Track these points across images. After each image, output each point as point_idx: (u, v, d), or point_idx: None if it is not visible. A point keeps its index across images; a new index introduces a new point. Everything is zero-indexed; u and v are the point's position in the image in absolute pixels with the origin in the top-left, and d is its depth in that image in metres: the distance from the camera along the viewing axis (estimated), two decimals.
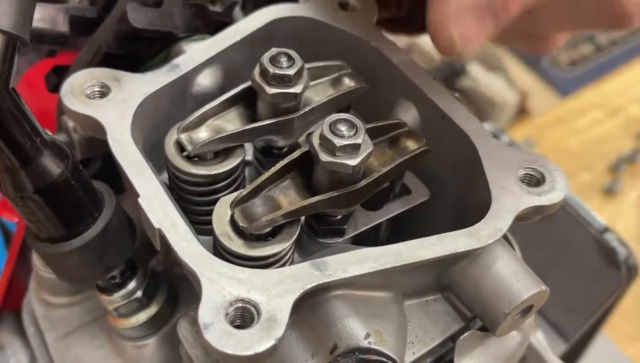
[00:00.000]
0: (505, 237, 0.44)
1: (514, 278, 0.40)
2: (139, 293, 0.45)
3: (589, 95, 1.49)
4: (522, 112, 2.33)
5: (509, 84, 2.42)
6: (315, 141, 0.40)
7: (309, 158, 0.41)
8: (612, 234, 0.68)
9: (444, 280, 0.42)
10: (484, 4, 0.41)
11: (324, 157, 0.39)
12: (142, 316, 0.46)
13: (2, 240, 0.60)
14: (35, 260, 0.50)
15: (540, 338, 0.58)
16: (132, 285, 0.45)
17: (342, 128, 0.39)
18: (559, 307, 0.73)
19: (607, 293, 0.68)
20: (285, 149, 0.48)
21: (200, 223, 0.45)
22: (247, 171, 0.49)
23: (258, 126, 0.44)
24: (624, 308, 1.16)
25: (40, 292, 0.51)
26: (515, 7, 0.42)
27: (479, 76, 2.46)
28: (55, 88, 0.49)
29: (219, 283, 0.36)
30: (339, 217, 0.44)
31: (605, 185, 1.29)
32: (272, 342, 0.34)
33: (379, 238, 0.50)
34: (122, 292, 0.45)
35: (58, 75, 0.50)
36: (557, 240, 0.71)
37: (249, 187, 0.40)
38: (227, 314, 0.35)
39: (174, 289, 0.48)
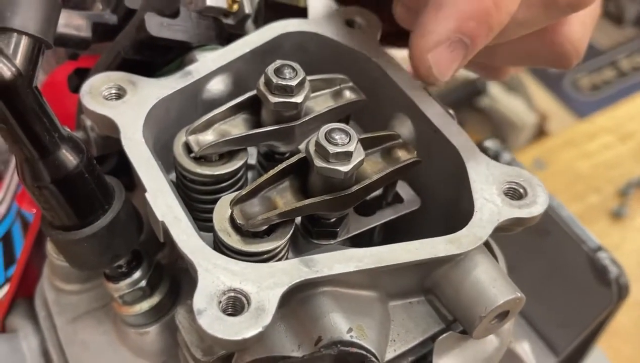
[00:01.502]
0: (488, 247, 0.47)
1: (491, 284, 0.43)
2: (143, 283, 0.48)
3: (601, 119, 1.51)
4: (540, 133, 2.35)
5: (528, 105, 2.44)
6: (311, 148, 0.43)
7: (306, 163, 0.44)
8: (605, 253, 0.70)
9: (427, 283, 0.45)
10: (456, 39, 0.48)
11: (319, 162, 0.42)
12: (145, 305, 0.49)
13: (21, 229, 0.64)
14: (49, 248, 0.53)
15: (526, 348, 0.60)
16: (137, 274, 0.48)
17: (337, 137, 0.42)
18: (551, 322, 0.75)
19: (598, 311, 0.70)
20: (286, 155, 0.51)
21: (203, 220, 0.48)
22: (250, 174, 0.53)
23: (261, 132, 0.47)
24: (624, 330, 1.18)
25: (53, 279, 0.54)
26: (482, 43, 0.49)
27: (499, 96, 2.49)
28: (76, 89, 0.53)
29: (214, 274, 0.39)
30: (332, 220, 0.47)
31: (613, 209, 1.31)
32: (259, 329, 0.37)
33: (373, 242, 0.53)
34: (128, 280, 0.48)
35: (79, 77, 0.53)
36: (552, 256, 0.74)
37: (248, 188, 0.43)
38: (220, 302, 0.38)
39: (177, 281, 0.51)
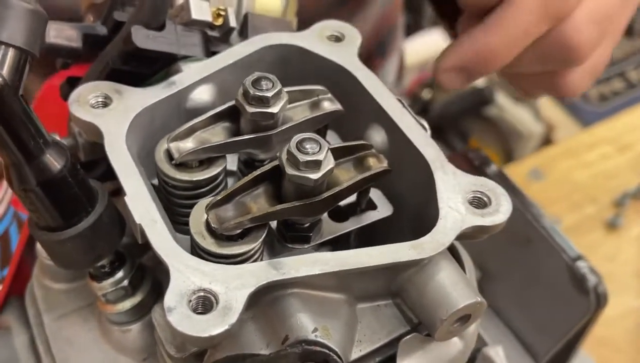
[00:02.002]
0: (456, 254, 0.49)
1: (452, 288, 0.45)
2: (125, 283, 0.51)
3: (601, 129, 1.52)
4: (547, 143, 2.36)
5: (535, 115, 2.46)
6: (284, 156, 0.45)
7: (279, 171, 0.46)
8: (584, 262, 0.71)
9: (393, 287, 0.47)
10: (461, 68, 0.67)
11: (290, 170, 0.44)
12: (127, 303, 0.51)
13: (17, 230, 0.67)
14: (39, 248, 0.55)
15: (500, 353, 0.62)
16: (119, 274, 0.50)
17: (307, 146, 0.45)
18: (531, 328, 0.77)
19: (577, 318, 0.72)
20: (266, 162, 0.53)
21: (184, 224, 0.51)
22: (231, 181, 0.55)
23: (239, 140, 0.50)
24: (616, 340, 1.19)
25: (42, 278, 0.57)
26: (480, 75, 0.68)
27: (506, 106, 2.50)
28: (67, 97, 0.55)
29: (185, 274, 0.41)
30: (306, 225, 0.49)
31: (608, 219, 1.32)
32: (225, 327, 0.39)
33: (349, 247, 0.54)
34: (111, 280, 0.50)
35: (71, 86, 0.56)
36: (533, 264, 0.75)
37: (223, 193, 0.46)
38: (190, 301, 0.40)
39: (159, 283, 0.53)
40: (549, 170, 1.43)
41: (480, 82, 2.46)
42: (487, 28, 0.64)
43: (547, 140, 2.44)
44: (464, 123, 2.57)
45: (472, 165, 0.78)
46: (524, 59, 0.67)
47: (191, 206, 0.49)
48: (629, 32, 2.83)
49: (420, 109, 2.50)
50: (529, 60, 0.67)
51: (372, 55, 1.13)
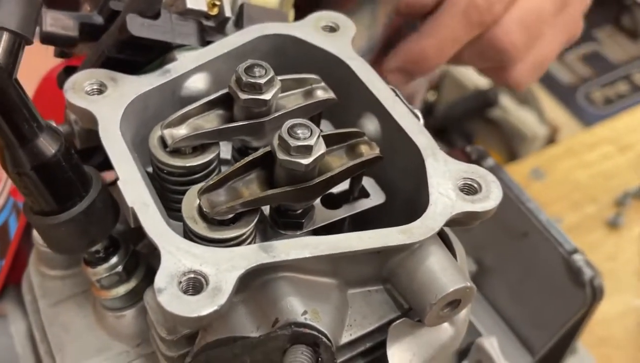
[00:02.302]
0: (446, 241, 0.49)
1: (442, 273, 0.45)
2: (119, 268, 0.51)
3: (601, 130, 1.52)
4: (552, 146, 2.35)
5: (540, 117, 2.45)
6: (275, 141, 0.45)
7: (271, 157, 0.47)
8: (580, 256, 0.72)
9: (384, 272, 0.47)
10: (402, 69, 0.78)
11: (281, 155, 0.45)
12: (121, 289, 0.52)
13: (16, 220, 0.67)
14: (35, 236, 0.56)
15: (494, 344, 0.62)
16: (114, 260, 0.51)
17: (299, 131, 0.45)
18: (527, 322, 0.77)
19: (573, 312, 0.72)
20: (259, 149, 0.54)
21: (177, 210, 0.51)
22: (225, 168, 0.55)
23: (231, 126, 0.50)
24: (617, 338, 1.19)
25: (39, 265, 0.57)
26: (420, 75, 0.80)
27: (510, 108, 2.50)
28: (64, 85, 0.56)
29: (176, 256, 0.42)
30: (298, 212, 0.50)
31: (609, 219, 1.32)
32: (214, 308, 0.39)
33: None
34: (105, 265, 0.51)
35: (68, 75, 0.56)
36: (530, 258, 0.75)
37: (216, 178, 0.46)
38: (180, 282, 0.40)
39: (153, 269, 0.54)
40: (550, 170, 1.43)
41: (484, 84, 2.46)
42: (420, 34, 0.76)
43: (551, 143, 2.44)
44: (468, 125, 2.57)
45: (470, 159, 0.79)
46: (464, 58, 0.79)
47: (185, 192, 0.50)
48: (634, 34, 2.83)
49: (425, 110, 2.51)
50: (469, 59, 0.80)
51: (401, 30, 1.16)
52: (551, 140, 2.44)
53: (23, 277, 0.59)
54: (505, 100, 2.50)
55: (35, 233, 0.56)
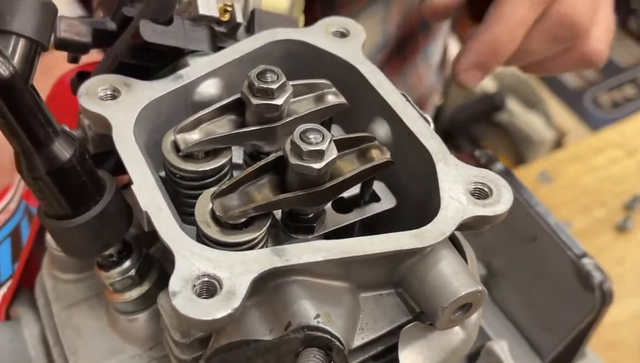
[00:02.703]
0: (457, 245, 0.50)
1: (453, 277, 0.45)
2: (132, 272, 0.52)
3: (609, 133, 1.52)
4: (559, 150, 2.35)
5: (547, 121, 2.45)
6: (287, 146, 0.46)
7: (283, 161, 0.47)
8: (589, 259, 0.72)
9: (396, 276, 0.48)
10: (477, 65, 0.76)
11: (293, 160, 0.45)
12: (134, 292, 0.52)
13: (28, 225, 0.68)
14: (49, 239, 0.56)
15: (504, 348, 0.62)
16: (127, 264, 0.51)
17: (311, 136, 0.45)
18: (536, 325, 0.77)
19: (582, 316, 0.72)
20: (270, 154, 0.54)
21: (190, 214, 0.51)
22: (236, 173, 0.56)
23: (244, 131, 0.50)
24: (626, 342, 1.18)
25: (52, 268, 0.58)
26: (495, 66, 0.77)
27: (517, 112, 2.49)
28: (77, 90, 0.56)
29: (190, 260, 0.42)
30: (309, 216, 0.50)
31: (618, 223, 1.32)
32: (229, 311, 0.40)
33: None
34: (118, 269, 0.51)
35: (81, 80, 0.57)
36: (539, 262, 0.76)
37: (228, 182, 0.46)
38: (194, 286, 0.41)
39: (165, 273, 0.54)
40: (558, 174, 1.43)
41: (491, 88, 2.46)
42: (488, 25, 0.75)
43: (558, 147, 2.43)
44: (475, 129, 2.57)
45: (479, 163, 0.79)
46: (536, 46, 0.78)
47: (197, 196, 0.50)
48: None
49: (432, 114, 2.50)
50: (541, 45, 0.78)
51: (415, 32, 1.17)
52: (558, 144, 2.44)
53: (36, 280, 0.60)
54: (512, 104, 2.50)
55: (48, 236, 0.57)
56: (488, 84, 2.49)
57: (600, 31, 0.80)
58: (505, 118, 2.51)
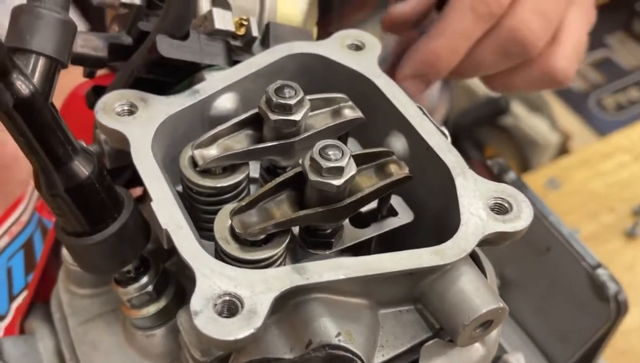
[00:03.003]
0: (477, 260, 0.49)
1: (474, 294, 0.45)
2: (150, 288, 0.51)
3: (617, 138, 1.51)
4: (564, 153, 2.35)
5: (552, 124, 2.45)
6: (307, 162, 0.46)
7: (302, 177, 0.47)
8: (604, 270, 0.71)
9: (415, 292, 0.47)
10: (416, 76, 0.76)
11: (313, 176, 0.45)
12: (152, 308, 0.52)
13: (41, 237, 0.68)
14: (65, 254, 0.56)
15: (520, 360, 0.62)
16: (144, 280, 0.51)
17: (330, 152, 0.45)
18: (551, 336, 0.77)
19: (597, 326, 0.72)
20: (288, 169, 0.54)
21: (207, 229, 0.51)
22: (253, 188, 0.56)
23: (261, 147, 0.50)
24: (637, 351, 1.18)
25: (67, 283, 0.57)
26: (435, 79, 0.77)
27: (522, 115, 2.49)
28: (92, 105, 0.56)
29: (211, 278, 0.42)
30: (327, 231, 0.50)
31: (627, 229, 1.31)
32: (251, 331, 0.40)
33: (370, 253, 0.55)
34: (136, 285, 0.51)
35: (96, 94, 0.57)
36: (553, 272, 0.75)
37: (247, 199, 0.46)
38: (215, 305, 0.41)
39: (183, 288, 0.54)
40: (566, 180, 1.42)
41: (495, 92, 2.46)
42: (430, 36, 0.75)
43: (563, 150, 2.43)
44: (480, 132, 2.56)
45: (491, 173, 0.79)
46: (487, 60, 0.77)
47: (215, 212, 0.50)
48: None
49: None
50: (491, 59, 0.76)
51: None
52: (563, 147, 2.44)
53: (52, 294, 0.60)
54: (517, 108, 2.49)
55: (64, 251, 0.57)
56: None
57: (566, 49, 0.78)
58: (510, 121, 2.50)
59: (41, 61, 0.41)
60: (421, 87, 0.77)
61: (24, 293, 0.65)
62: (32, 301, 0.63)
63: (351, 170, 0.45)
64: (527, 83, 0.80)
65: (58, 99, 0.69)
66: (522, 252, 0.77)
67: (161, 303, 0.52)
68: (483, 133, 2.56)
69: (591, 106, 2.70)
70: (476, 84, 2.43)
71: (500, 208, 0.48)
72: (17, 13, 0.42)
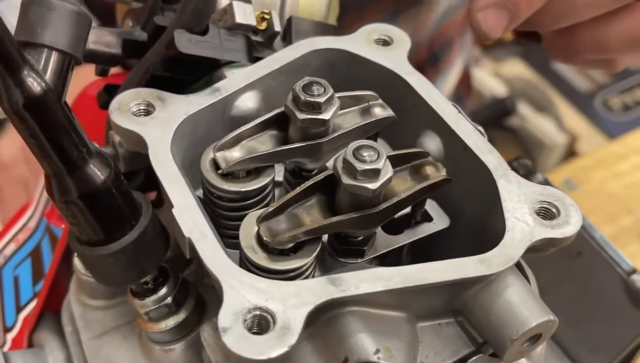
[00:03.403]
0: (520, 268, 0.46)
1: (522, 306, 0.42)
2: (169, 300, 0.48)
3: (631, 139, 1.49)
4: (571, 154, 2.32)
5: (558, 125, 2.42)
6: (339, 165, 0.42)
7: (333, 180, 0.44)
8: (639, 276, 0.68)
9: (456, 304, 0.44)
10: (502, 4, 0.58)
11: (346, 179, 0.42)
12: (171, 321, 0.49)
13: (49, 244, 0.65)
14: (76, 263, 0.53)
15: None
16: (163, 291, 0.48)
17: (365, 154, 0.42)
18: (583, 346, 0.73)
19: (632, 335, 0.68)
20: (314, 172, 0.51)
21: (230, 237, 0.48)
22: (277, 191, 0.52)
23: (288, 148, 0.47)
24: None
25: (80, 294, 0.54)
26: (524, 12, 0.59)
27: (528, 116, 2.46)
28: (105, 105, 0.53)
29: (240, 291, 0.38)
30: (359, 239, 0.47)
31: None
32: (284, 349, 0.36)
33: (401, 261, 0.52)
34: (154, 297, 0.48)
35: (109, 94, 0.54)
36: (585, 278, 0.72)
37: (275, 205, 0.43)
38: (245, 320, 0.37)
39: (203, 299, 0.51)
40: (582, 181, 1.40)
41: (501, 93, 2.43)
42: None
43: (570, 151, 2.41)
44: (487, 134, 2.54)
45: (518, 174, 0.75)
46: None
47: (238, 218, 0.47)
48: None
49: None
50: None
51: (422, 64, 1.11)
52: (570, 148, 2.41)
53: (62, 307, 0.57)
54: (524, 109, 2.46)
55: (76, 260, 0.53)
56: (499, 89, 2.47)
57: None
58: (517, 122, 2.47)
59: (54, 56, 0.38)
60: (503, 19, 0.59)
61: (32, 304, 0.62)
62: (41, 312, 0.60)
63: (387, 172, 0.42)
64: (626, 40, 0.62)
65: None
66: (552, 257, 0.73)
67: (181, 316, 0.49)
68: (489, 134, 2.53)
69: (597, 106, 2.67)
70: (483, 86, 2.40)
71: (547, 213, 0.44)
72: (27, 4, 0.38)
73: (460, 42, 1.17)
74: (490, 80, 2.55)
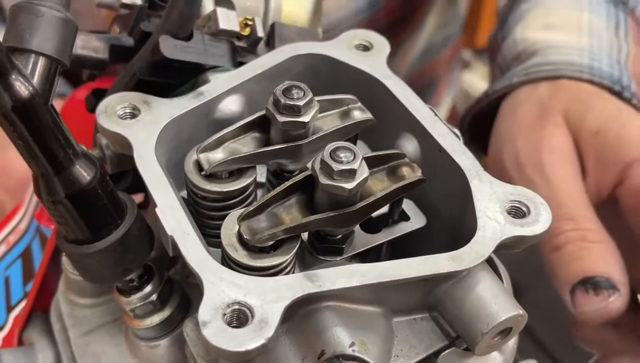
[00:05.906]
0: (492, 265, 0.48)
1: (493, 301, 0.43)
2: (154, 297, 0.49)
3: None
4: None
5: None
6: (317, 165, 0.44)
7: (312, 181, 0.45)
8: None
9: (430, 300, 0.46)
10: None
11: (324, 180, 0.43)
12: (156, 318, 0.50)
13: (40, 245, 0.66)
14: (65, 263, 0.54)
15: None
16: (148, 289, 0.49)
17: (342, 155, 0.44)
18: (562, 343, 0.75)
19: None
20: (295, 173, 0.52)
21: (213, 236, 0.50)
22: (260, 192, 0.54)
23: (269, 150, 0.49)
24: None
25: (68, 293, 0.56)
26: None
27: None
28: (92, 108, 0.54)
29: (220, 287, 0.40)
30: (338, 237, 0.48)
31: None
32: (262, 341, 0.38)
33: (381, 259, 0.54)
34: (139, 294, 0.49)
35: (96, 97, 0.55)
36: None
37: (255, 204, 0.45)
38: (225, 314, 0.39)
39: (187, 297, 0.52)
40: None
41: None
42: None
43: None
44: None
45: None
46: None
47: (220, 218, 0.48)
48: None
49: None
50: None
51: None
52: None
53: (51, 305, 0.58)
54: None
55: (64, 260, 0.55)
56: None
57: None
58: None
59: (41, 61, 0.40)
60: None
61: (23, 304, 0.64)
62: (30, 311, 0.62)
63: (363, 173, 0.44)
64: None
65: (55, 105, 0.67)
66: (532, 254, 0.75)
67: (165, 313, 0.50)
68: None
69: None
70: (475, 89, 2.42)
71: (518, 212, 0.46)
72: (15, 11, 0.40)
73: (448, 82, 1.17)
74: (482, 83, 2.57)
